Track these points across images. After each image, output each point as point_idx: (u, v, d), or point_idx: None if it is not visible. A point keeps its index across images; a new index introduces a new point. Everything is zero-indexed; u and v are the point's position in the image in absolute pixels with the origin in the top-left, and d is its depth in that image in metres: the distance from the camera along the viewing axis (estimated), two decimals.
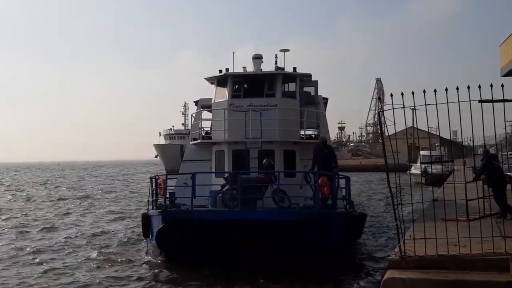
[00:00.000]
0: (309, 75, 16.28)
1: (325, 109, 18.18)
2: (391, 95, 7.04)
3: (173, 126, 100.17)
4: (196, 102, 17.65)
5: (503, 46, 15.72)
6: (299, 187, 13.24)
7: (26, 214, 23.99)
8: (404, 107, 6.98)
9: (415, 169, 32.43)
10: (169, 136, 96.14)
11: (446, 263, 6.83)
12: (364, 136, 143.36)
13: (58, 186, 48.00)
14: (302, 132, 15.94)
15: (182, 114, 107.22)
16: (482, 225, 7.39)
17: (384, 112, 6.96)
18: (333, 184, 12.45)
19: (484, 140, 7.82)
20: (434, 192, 13.16)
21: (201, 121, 16.18)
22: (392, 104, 6.95)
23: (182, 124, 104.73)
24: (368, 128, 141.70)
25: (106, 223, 20.46)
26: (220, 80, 15.83)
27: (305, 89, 16.69)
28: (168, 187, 12.76)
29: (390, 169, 7.02)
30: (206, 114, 17.10)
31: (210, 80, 16.34)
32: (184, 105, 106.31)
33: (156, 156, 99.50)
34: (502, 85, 6.57)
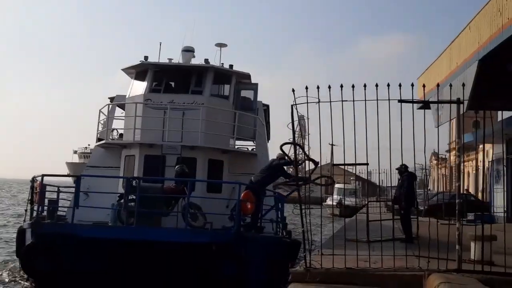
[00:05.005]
0: (248, 75, 16.82)
1: (267, 118, 18.78)
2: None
3: (88, 145, 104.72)
4: (112, 99, 17.69)
5: (421, 78, 17.88)
6: (222, 204, 13.47)
7: None
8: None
9: (330, 201, 37.18)
10: (83, 154, 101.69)
11: (355, 278, 7.65)
12: None
13: None
14: (234, 142, 16.46)
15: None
16: (396, 245, 8.36)
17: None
18: (260, 201, 12.57)
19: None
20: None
21: (107, 119, 15.98)
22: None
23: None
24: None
25: None
26: (139, 73, 16.21)
27: (243, 93, 17.08)
28: (49, 195, 12.34)
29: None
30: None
31: (128, 71, 16.70)
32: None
33: (68, 174, 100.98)
34: (412, 84, 7.72)
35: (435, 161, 63.76)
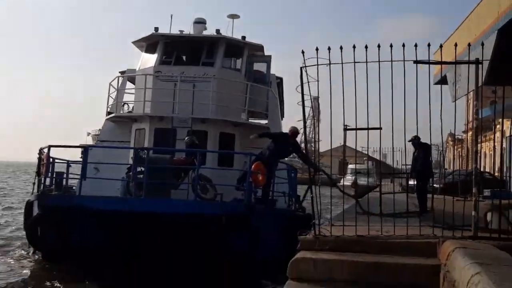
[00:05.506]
0: (261, 47, 16.57)
1: (280, 92, 18.49)
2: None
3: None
4: (123, 73, 17.53)
5: (437, 53, 17.32)
6: (234, 178, 13.09)
7: None
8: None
9: (345, 181, 37.89)
10: (96, 136, 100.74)
11: (366, 246, 7.44)
12: None
13: None
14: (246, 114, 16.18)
15: None
16: (409, 217, 8.17)
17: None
18: (271, 174, 12.38)
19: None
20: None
21: (117, 92, 15.90)
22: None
23: None
24: (303, 145, 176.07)
25: None
26: (150, 45, 16.06)
27: (256, 65, 16.86)
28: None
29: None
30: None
31: (139, 44, 16.56)
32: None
33: (81, 157, 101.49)
34: (429, 44, 7.44)
35: (451, 142, 63.19)
